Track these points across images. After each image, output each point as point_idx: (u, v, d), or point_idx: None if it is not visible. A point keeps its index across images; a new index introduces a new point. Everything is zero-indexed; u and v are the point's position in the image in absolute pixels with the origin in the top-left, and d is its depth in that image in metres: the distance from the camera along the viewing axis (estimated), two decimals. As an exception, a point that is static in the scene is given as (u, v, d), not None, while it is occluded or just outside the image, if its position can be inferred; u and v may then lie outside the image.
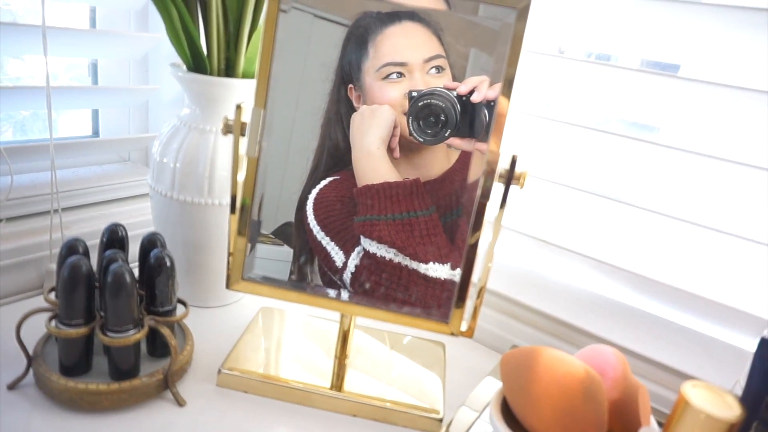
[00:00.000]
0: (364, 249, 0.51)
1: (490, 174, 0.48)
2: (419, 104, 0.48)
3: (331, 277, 0.53)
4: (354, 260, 0.52)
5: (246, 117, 0.50)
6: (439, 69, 0.49)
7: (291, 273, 0.54)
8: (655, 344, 0.60)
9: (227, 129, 0.51)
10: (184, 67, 0.64)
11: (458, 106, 0.48)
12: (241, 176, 0.51)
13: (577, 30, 0.64)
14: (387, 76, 0.49)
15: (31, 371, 0.51)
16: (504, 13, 0.46)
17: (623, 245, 0.64)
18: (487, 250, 0.50)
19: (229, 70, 0.64)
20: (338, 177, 0.51)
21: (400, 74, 0.49)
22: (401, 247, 0.51)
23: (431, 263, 0.51)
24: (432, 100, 0.48)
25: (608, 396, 0.40)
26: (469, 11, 0.47)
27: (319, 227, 0.52)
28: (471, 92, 0.48)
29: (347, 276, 0.52)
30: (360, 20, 0.48)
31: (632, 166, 0.62)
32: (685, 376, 0.57)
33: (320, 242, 0.52)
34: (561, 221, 0.68)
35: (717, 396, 0.35)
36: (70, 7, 0.80)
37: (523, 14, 0.46)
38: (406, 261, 0.51)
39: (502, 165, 0.48)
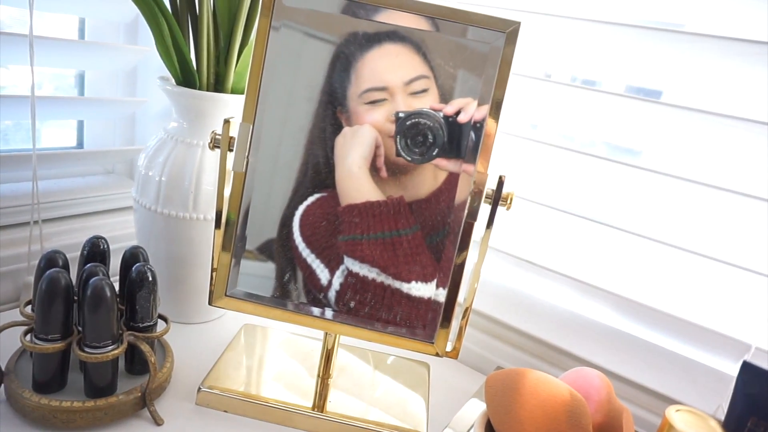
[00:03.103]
0: (347, 268, 0.51)
1: (477, 194, 0.48)
2: (407, 123, 0.48)
3: (315, 295, 0.52)
4: (338, 278, 0.51)
5: (234, 132, 0.50)
6: (423, 90, 0.49)
7: (275, 290, 0.53)
8: (639, 367, 0.60)
9: (215, 143, 0.50)
10: (173, 80, 0.64)
11: (446, 126, 0.48)
12: (227, 191, 0.51)
13: (563, 55, 0.65)
14: (370, 101, 0.49)
15: (2, 387, 0.50)
16: (493, 36, 0.47)
17: (608, 268, 0.64)
18: (473, 270, 0.50)
19: (218, 84, 0.64)
20: (325, 194, 0.51)
21: (383, 98, 0.49)
22: (384, 266, 0.50)
23: (413, 282, 0.51)
24: (420, 119, 0.48)
25: (592, 419, 0.40)
26: (458, 33, 0.47)
27: (304, 244, 0.51)
28: (458, 113, 0.48)
29: (332, 294, 0.52)
30: (343, 45, 0.48)
31: (616, 188, 0.62)
32: (669, 400, 0.58)
33: (305, 259, 0.52)
34: (547, 243, 0.68)
35: (700, 420, 0.35)
36: (59, 17, 0.79)
37: (511, 38, 0.46)
38: (389, 280, 0.51)
39: (489, 186, 0.48)
